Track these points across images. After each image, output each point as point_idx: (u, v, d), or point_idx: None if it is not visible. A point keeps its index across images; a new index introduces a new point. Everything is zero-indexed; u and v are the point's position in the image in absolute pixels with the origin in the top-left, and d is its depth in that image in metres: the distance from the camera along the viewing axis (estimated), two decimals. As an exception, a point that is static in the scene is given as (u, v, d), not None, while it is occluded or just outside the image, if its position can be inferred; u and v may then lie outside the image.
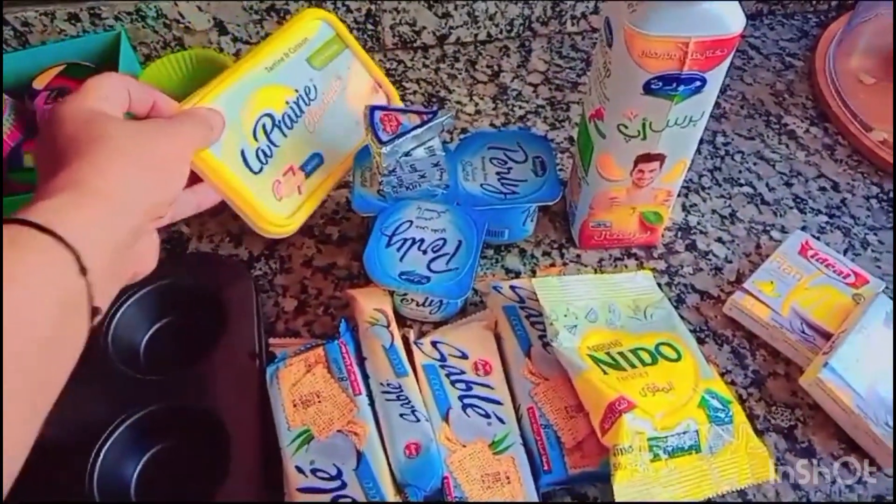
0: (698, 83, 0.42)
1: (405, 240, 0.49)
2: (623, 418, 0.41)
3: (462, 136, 0.56)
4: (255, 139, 0.45)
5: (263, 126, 0.46)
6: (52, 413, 0.28)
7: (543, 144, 0.54)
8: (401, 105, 0.56)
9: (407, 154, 0.48)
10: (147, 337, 0.51)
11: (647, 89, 0.42)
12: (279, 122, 0.47)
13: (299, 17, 0.51)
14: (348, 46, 0.53)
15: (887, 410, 0.44)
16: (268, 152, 0.46)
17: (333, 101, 0.51)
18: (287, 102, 0.48)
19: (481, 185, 0.52)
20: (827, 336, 0.48)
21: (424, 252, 0.48)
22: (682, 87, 0.42)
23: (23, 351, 0.27)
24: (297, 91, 0.48)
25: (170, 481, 0.44)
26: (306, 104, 0.49)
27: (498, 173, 0.53)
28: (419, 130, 0.47)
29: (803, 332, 0.48)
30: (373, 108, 0.48)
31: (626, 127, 0.45)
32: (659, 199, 0.51)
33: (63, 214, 0.30)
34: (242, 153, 0.44)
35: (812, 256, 0.52)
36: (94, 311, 0.30)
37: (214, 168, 0.42)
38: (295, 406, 0.43)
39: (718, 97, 0.66)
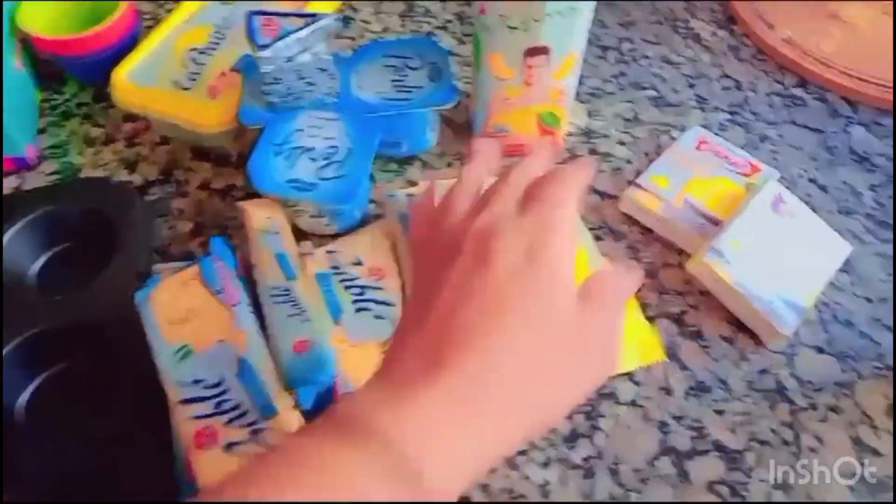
0: (570, -36, 0.41)
1: (294, 148, 0.48)
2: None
3: (355, 47, 0.55)
4: (184, 67, 0.54)
5: (191, 57, 0.55)
6: None
7: (440, 51, 0.53)
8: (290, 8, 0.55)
9: (290, 60, 0.47)
10: (38, 264, 0.50)
11: (521, -27, 0.41)
12: (204, 50, 0.55)
13: None
14: None
15: (771, 288, 0.45)
16: (197, 72, 0.54)
17: None
18: (209, 34, 0.56)
19: (375, 92, 0.51)
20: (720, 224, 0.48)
21: (314, 160, 0.47)
22: (553, -31, 0.41)
23: None
24: (214, 24, 0.57)
25: (62, 401, 0.44)
26: (228, 28, 0.57)
27: (393, 80, 0.52)
28: (302, 34, 0.46)
29: (697, 222, 0.49)
30: (250, 14, 0.46)
31: (508, 17, 0.44)
32: (553, 98, 0.50)
33: (432, 448, 0.26)
34: (174, 80, 0.53)
35: (707, 150, 0.52)
36: None
37: (149, 97, 0.52)
38: (171, 324, 0.42)
39: (626, 4, 0.66)
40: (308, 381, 0.41)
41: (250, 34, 0.46)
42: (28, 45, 0.57)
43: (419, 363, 0.28)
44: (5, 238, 0.47)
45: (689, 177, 0.51)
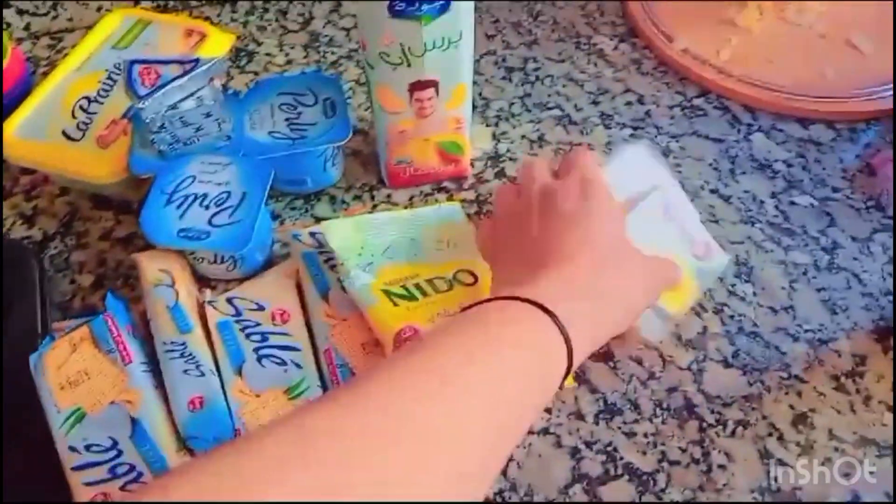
0: (442, 1, 0.41)
1: (186, 196, 0.47)
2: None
3: (250, 84, 0.55)
4: (74, 117, 0.52)
5: (81, 106, 0.53)
6: None
7: (334, 85, 0.53)
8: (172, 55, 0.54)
9: (174, 107, 0.46)
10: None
11: (393, 12, 0.41)
12: (94, 98, 0.53)
13: (103, 20, 0.58)
14: (152, 21, 0.58)
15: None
16: (87, 121, 0.52)
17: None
18: (100, 81, 0.55)
19: (269, 132, 0.50)
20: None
21: (207, 207, 0.46)
22: (425, 7, 0.41)
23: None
24: (107, 70, 0.55)
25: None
26: (119, 74, 0.54)
27: (287, 119, 0.51)
28: (181, 81, 0.45)
29: None
30: (130, 62, 0.45)
31: (388, 55, 0.44)
32: (451, 127, 0.50)
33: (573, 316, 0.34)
34: (63, 132, 0.52)
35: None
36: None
37: (38, 151, 0.51)
38: (63, 388, 0.41)
39: (530, 23, 0.66)
40: (205, 439, 0.40)
41: (129, 83, 0.45)
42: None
43: (538, 268, 0.37)
44: None
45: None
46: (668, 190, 0.47)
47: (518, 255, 0.41)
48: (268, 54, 0.64)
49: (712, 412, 0.44)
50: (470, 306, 0.35)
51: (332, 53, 0.64)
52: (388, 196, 0.55)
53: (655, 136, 0.57)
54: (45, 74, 0.56)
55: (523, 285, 0.36)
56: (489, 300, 0.35)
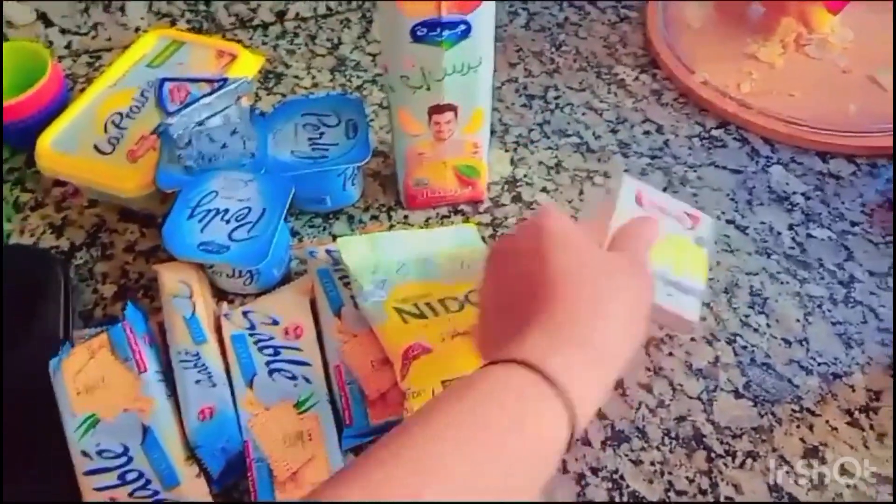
0: (463, 27, 0.42)
1: (208, 211, 0.48)
2: (413, 364, 0.41)
3: (276, 104, 0.56)
4: (106, 132, 0.54)
5: (112, 121, 0.55)
6: None
7: (357, 107, 0.54)
8: (203, 73, 0.56)
9: (201, 124, 0.47)
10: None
11: (415, 37, 0.42)
12: (126, 113, 0.55)
13: (139, 40, 0.61)
14: (186, 41, 0.61)
15: (664, 283, 0.43)
16: (118, 136, 0.54)
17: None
18: (133, 98, 0.56)
19: (291, 151, 0.52)
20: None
21: (227, 222, 0.48)
22: (446, 33, 0.42)
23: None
24: (140, 87, 0.57)
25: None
26: (151, 92, 0.56)
27: (310, 139, 0.53)
28: (209, 99, 0.47)
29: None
30: (161, 80, 0.47)
31: (409, 78, 0.45)
32: (468, 151, 0.51)
33: (572, 376, 0.31)
34: (95, 146, 0.53)
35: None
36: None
37: (71, 164, 0.53)
38: (79, 394, 0.42)
39: (552, 53, 0.67)
40: (212, 448, 0.41)
41: (160, 100, 0.46)
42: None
43: (560, 328, 0.33)
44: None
45: None
46: (632, 182, 0.47)
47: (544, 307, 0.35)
48: (295, 76, 0.66)
49: (721, 443, 0.44)
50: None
51: (358, 77, 0.66)
52: (405, 217, 0.56)
53: (673, 166, 0.58)
54: (83, 91, 0.58)
55: (522, 341, 0.32)
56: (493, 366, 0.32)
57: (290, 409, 0.43)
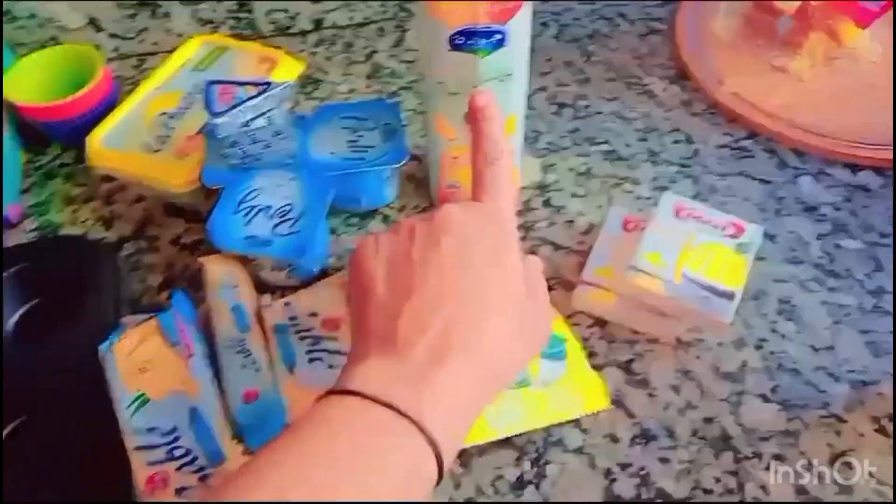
0: (499, 36, 0.43)
1: (252, 207, 0.50)
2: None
3: (316, 108, 0.58)
4: (153, 131, 0.57)
5: (161, 121, 0.57)
6: None
7: (393, 112, 0.56)
8: (247, 77, 0.58)
9: (246, 125, 0.49)
10: (15, 317, 0.52)
11: (453, 45, 0.44)
12: (174, 114, 0.58)
13: (184, 45, 0.63)
14: (229, 47, 0.63)
15: (699, 287, 0.45)
16: (167, 134, 0.56)
17: None
18: (180, 99, 0.59)
19: (331, 152, 0.54)
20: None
21: (271, 217, 0.50)
22: (483, 41, 0.43)
23: None
24: (185, 90, 0.59)
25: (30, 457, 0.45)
26: (197, 94, 0.58)
27: (348, 141, 0.54)
28: (255, 101, 0.49)
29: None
30: (209, 83, 0.49)
31: (446, 84, 0.47)
32: (501, 155, 0.53)
33: (428, 407, 0.31)
34: (143, 143, 0.56)
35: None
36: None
37: (120, 160, 0.55)
38: (130, 374, 0.44)
39: (582, 63, 0.69)
40: (256, 430, 0.42)
41: (207, 102, 0.48)
42: (13, 112, 0.61)
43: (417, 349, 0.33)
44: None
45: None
46: (670, 197, 0.50)
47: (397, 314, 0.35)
48: (333, 83, 0.68)
49: (749, 444, 0.45)
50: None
51: (393, 84, 0.68)
52: (439, 219, 0.57)
53: (702, 175, 0.59)
54: (130, 92, 0.61)
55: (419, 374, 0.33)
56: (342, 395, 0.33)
57: (328, 397, 0.45)
